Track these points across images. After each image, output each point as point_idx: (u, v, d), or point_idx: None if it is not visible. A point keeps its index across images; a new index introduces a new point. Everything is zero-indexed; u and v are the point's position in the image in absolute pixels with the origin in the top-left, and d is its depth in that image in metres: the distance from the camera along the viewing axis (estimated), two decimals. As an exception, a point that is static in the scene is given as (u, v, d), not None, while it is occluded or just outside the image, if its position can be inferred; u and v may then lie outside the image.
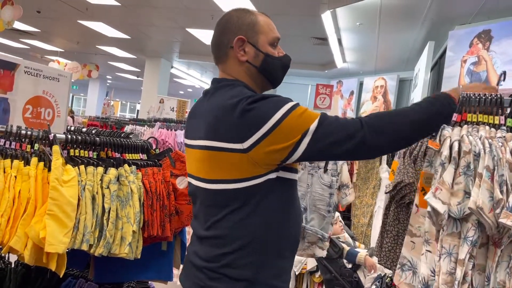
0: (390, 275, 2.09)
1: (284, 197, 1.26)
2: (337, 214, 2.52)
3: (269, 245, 1.23)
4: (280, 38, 1.36)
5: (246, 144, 1.16)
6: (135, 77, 16.43)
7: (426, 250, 1.41)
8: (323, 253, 1.50)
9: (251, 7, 6.25)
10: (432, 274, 1.38)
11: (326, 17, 6.23)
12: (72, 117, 9.04)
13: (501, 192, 1.18)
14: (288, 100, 1.20)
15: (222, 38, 1.33)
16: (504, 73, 1.54)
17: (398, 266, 1.62)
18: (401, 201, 1.74)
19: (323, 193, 2.28)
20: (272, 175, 1.21)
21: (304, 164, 1.59)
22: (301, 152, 1.15)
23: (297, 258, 2.58)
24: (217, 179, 1.23)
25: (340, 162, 2.36)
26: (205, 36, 8.64)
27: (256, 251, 1.21)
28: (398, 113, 1.21)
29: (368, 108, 10.52)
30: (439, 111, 1.24)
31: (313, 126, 1.14)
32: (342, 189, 2.37)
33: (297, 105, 1.19)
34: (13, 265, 1.96)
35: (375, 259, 2.48)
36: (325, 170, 2.24)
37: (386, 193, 1.82)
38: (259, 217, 1.21)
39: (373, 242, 3.16)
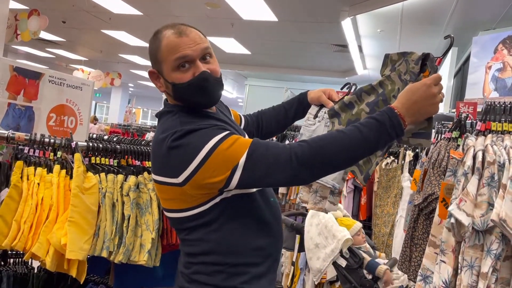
0: (412, 287, 2.05)
1: (240, 212, 1.25)
2: (360, 224, 2.49)
3: (233, 257, 1.25)
4: (187, 54, 1.21)
5: (180, 179, 1.17)
6: (156, 85, 16.64)
7: (441, 260, 1.38)
8: (334, 208, 1.47)
9: (270, 15, 6.26)
10: (444, 285, 1.34)
11: (347, 24, 6.19)
12: (95, 124, 9.22)
13: (527, 203, 1.14)
14: (216, 132, 1.16)
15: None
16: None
17: (419, 278, 1.59)
18: (431, 214, 1.70)
19: None
20: (216, 199, 1.21)
21: (322, 116, 1.52)
22: (234, 185, 1.14)
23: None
24: (167, 208, 1.29)
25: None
26: (225, 44, 8.69)
27: (220, 263, 1.24)
28: (332, 142, 1.12)
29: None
30: (378, 140, 1.12)
31: (242, 160, 1.12)
32: None
33: (226, 136, 1.15)
34: (35, 271, 1.99)
35: (396, 271, 2.44)
36: None
37: (415, 205, 1.79)
38: (217, 235, 1.23)
39: (394, 252, 3.10)
